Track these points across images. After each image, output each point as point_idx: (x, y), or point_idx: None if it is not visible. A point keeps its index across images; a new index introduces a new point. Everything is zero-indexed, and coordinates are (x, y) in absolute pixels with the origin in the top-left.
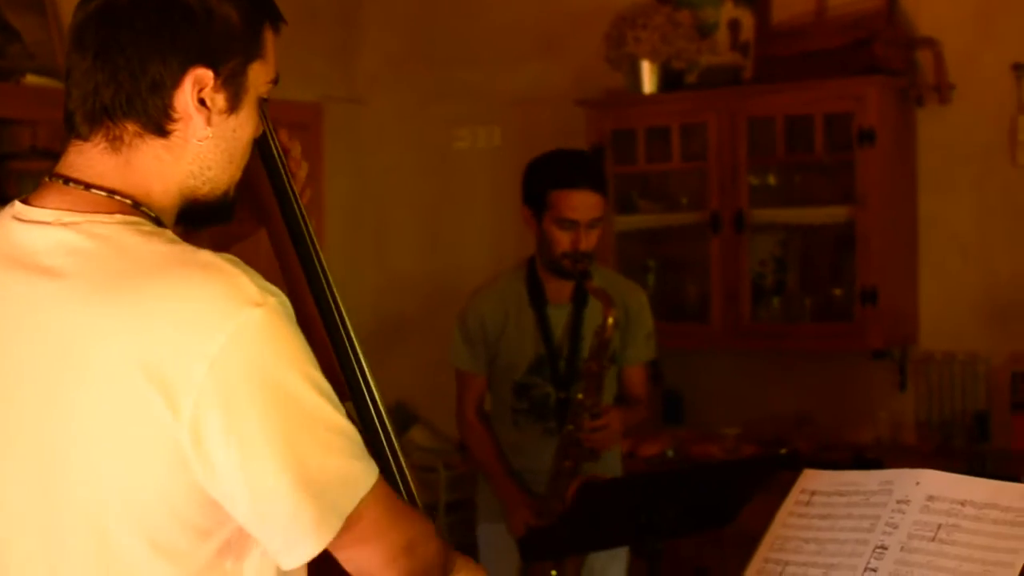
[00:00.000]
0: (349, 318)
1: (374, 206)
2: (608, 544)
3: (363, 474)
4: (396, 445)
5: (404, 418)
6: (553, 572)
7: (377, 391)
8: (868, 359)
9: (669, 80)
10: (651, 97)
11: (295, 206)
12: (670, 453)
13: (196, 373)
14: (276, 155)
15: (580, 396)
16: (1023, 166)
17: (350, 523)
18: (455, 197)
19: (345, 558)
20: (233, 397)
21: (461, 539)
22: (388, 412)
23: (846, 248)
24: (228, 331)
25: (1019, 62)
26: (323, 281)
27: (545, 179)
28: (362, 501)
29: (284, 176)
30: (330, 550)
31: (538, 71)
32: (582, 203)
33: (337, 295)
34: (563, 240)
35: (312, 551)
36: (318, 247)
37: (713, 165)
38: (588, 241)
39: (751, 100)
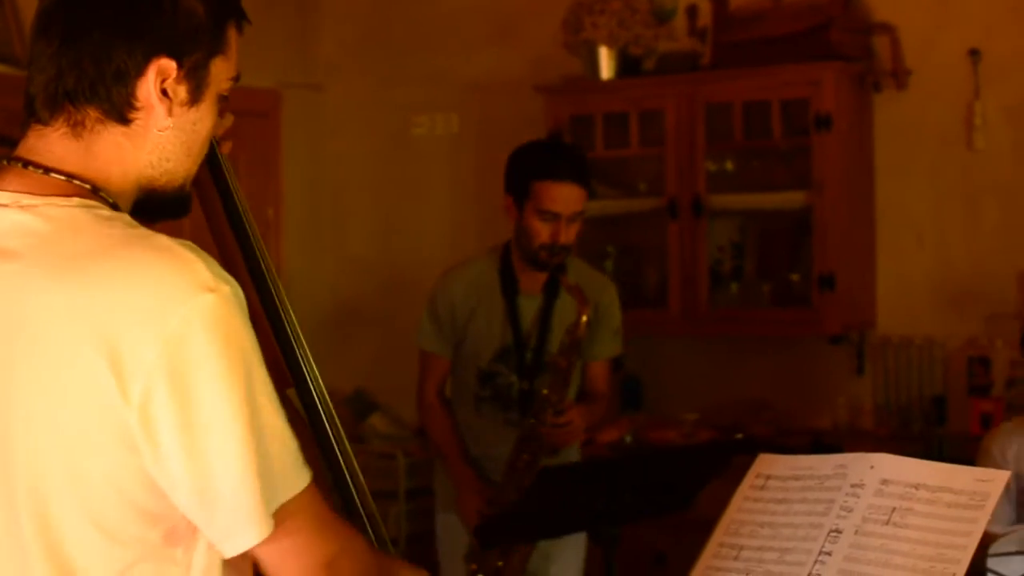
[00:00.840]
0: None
1: (332, 193)
2: (565, 530)
3: (300, 472)
4: (341, 432)
5: (363, 405)
6: (499, 563)
7: (320, 382)
8: (826, 344)
9: (627, 66)
10: (609, 83)
11: (235, 197)
12: (628, 439)
13: (147, 355)
14: (213, 143)
15: (545, 391)
16: (979, 151)
17: (281, 518)
18: (413, 184)
19: (265, 559)
20: (182, 380)
21: (419, 527)
22: (346, 400)
23: (803, 233)
24: (180, 315)
25: (975, 48)
26: (264, 271)
27: (529, 169)
28: (291, 502)
29: (223, 164)
30: (253, 551)
31: (496, 57)
32: (565, 196)
33: (280, 286)
34: (542, 232)
35: (254, 538)
36: (258, 236)
37: (671, 151)
38: (568, 235)
39: (709, 86)
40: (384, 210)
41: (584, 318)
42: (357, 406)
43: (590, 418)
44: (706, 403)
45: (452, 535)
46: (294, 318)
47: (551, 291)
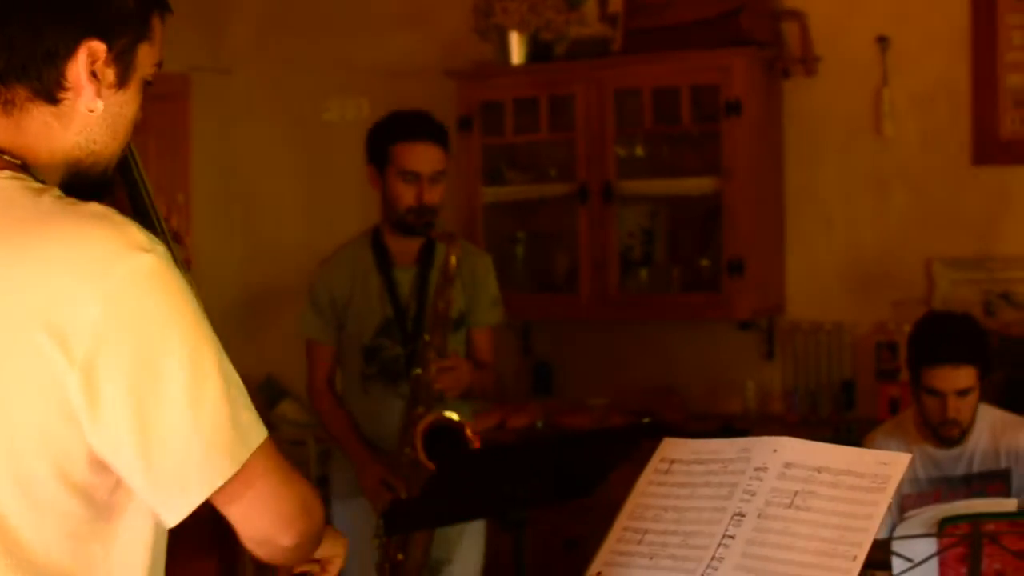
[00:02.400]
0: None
1: (242, 178)
2: (471, 515)
3: (255, 426)
4: None
5: (274, 392)
6: (400, 555)
7: None
8: (735, 329)
9: (537, 51)
10: (519, 68)
11: (140, 183)
12: (540, 424)
13: (89, 316)
14: None
15: (427, 337)
16: (888, 137)
17: (243, 478)
18: (324, 169)
19: (240, 518)
20: (126, 339)
21: (329, 514)
22: (257, 387)
23: (713, 219)
24: (119, 274)
25: (884, 35)
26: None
27: (386, 134)
28: (253, 455)
29: (130, 151)
30: (223, 509)
31: (407, 42)
32: (424, 155)
33: (183, 269)
34: (406, 194)
35: (198, 498)
36: (160, 217)
37: (581, 136)
38: (431, 195)
39: (619, 71)
40: (294, 196)
41: (453, 258)
42: (268, 393)
43: (479, 379)
44: (616, 388)
45: (347, 523)
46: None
47: (425, 260)
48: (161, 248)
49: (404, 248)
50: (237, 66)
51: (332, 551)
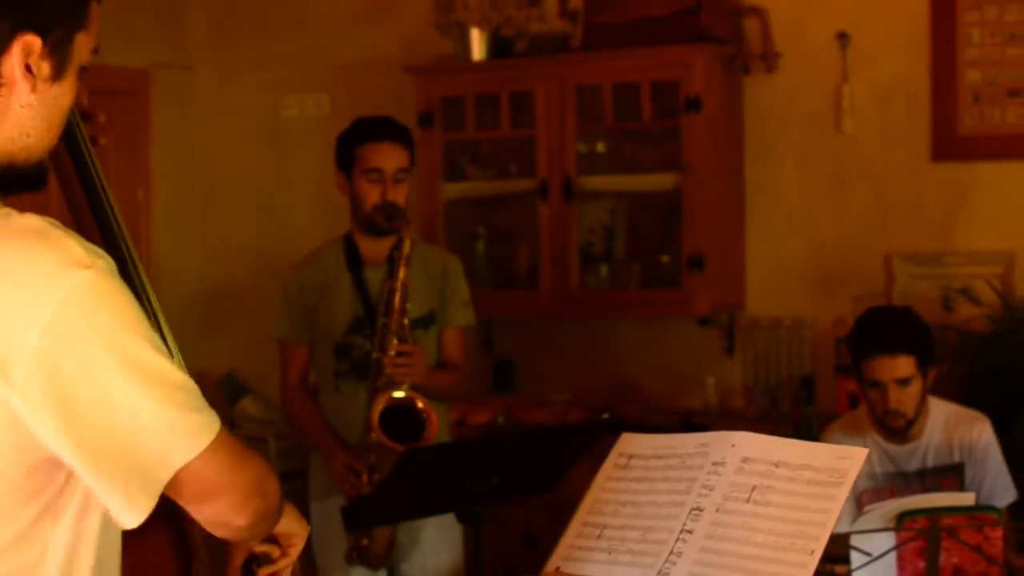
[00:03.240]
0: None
1: (203, 174)
2: (431, 511)
3: (205, 426)
4: None
5: (235, 389)
6: (364, 541)
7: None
8: (696, 325)
9: (498, 47)
10: (480, 64)
11: (92, 171)
12: (500, 420)
13: (28, 339)
14: (75, 120)
15: (383, 320)
16: (847, 134)
17: (187, 478)
18: (284, 166)
19: (197, 512)
20: (66, 359)
21: None
22: (217, 383)
23: (673, 215)
24: (59, 295)
25: (844, 31)
26: (124, 248)
27: (351, 138)
28: (205, 451)
29: (82, 142)
30: (183, 505)
31: (367, 37)
32: (386, 153)
33: (137, 258)
34: (372, 193)
35: (146, 509)
36: (116, 211)
37: (541, 133)
38: (395, 193)
39: (579, 68)
40: (255, 192)
41: (407, 242)
42: (228, 389)
43: (439, 376)
44: (577, 384)
45: (325, 524)
46: (151, 292)
47: (395, 260)
48: (102, 260)
49: (374, 248)
50: (198, 62)
51: (291, 528)
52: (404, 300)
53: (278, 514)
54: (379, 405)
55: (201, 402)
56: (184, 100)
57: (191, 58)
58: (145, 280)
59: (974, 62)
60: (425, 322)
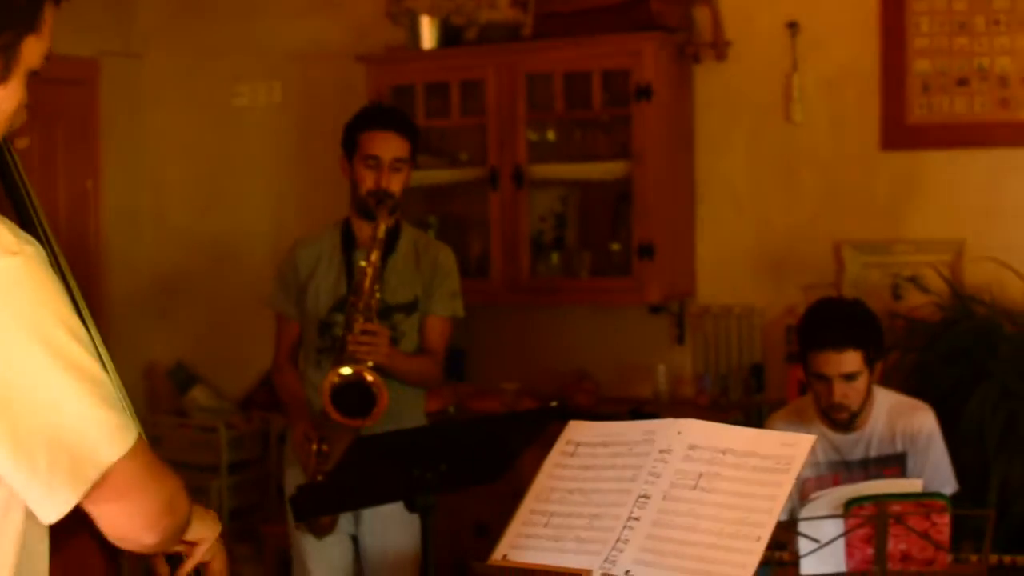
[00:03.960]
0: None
1: (153, 164)
2: (379, 499)
3: (125, 427)
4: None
5: (185, 378)
6: (324, 447)
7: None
8: (646, 313)
9: (449, 36)
10: (431, 53)
11: (16, 176)
12: (451, 409)
13: None
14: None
15: (352, 298)
16: (797, 123)
17: (109, 478)
18: (236, 155)
19: (104, 515)
20: None
21: (242, 501)
22: (167, 373)
23: (624, 203)
24: None
25: (794, 20)
26: (47, 244)
27: (355, 125)
28: (121, 459)
29: (3, 144)
30: (88, 509)
31: (318, 26)
32: (385, 142)
33: (63, 262)
34: (367, 178)
35: (69, 502)
36: (37, 205)
37: (492, 121)
38: (390, 181)
39: (530, 56)
40: (206, 181)
41: (383, 226)
42: (179, 379)
43: (412, 362)
44: (528, 372)
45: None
46: (76, 288)
47: (388, 245)
48: (31, 248)
49: (367, 231)
50: (147, 51)
51: (200, 534)
52: (374, 282)
53: (185, 527)
54: (331, 379)
55: (120, 403)
56: (134, 89)
57: (140, 46)
58: (69, 276)
59: (923, 51)
60: (408, 308)
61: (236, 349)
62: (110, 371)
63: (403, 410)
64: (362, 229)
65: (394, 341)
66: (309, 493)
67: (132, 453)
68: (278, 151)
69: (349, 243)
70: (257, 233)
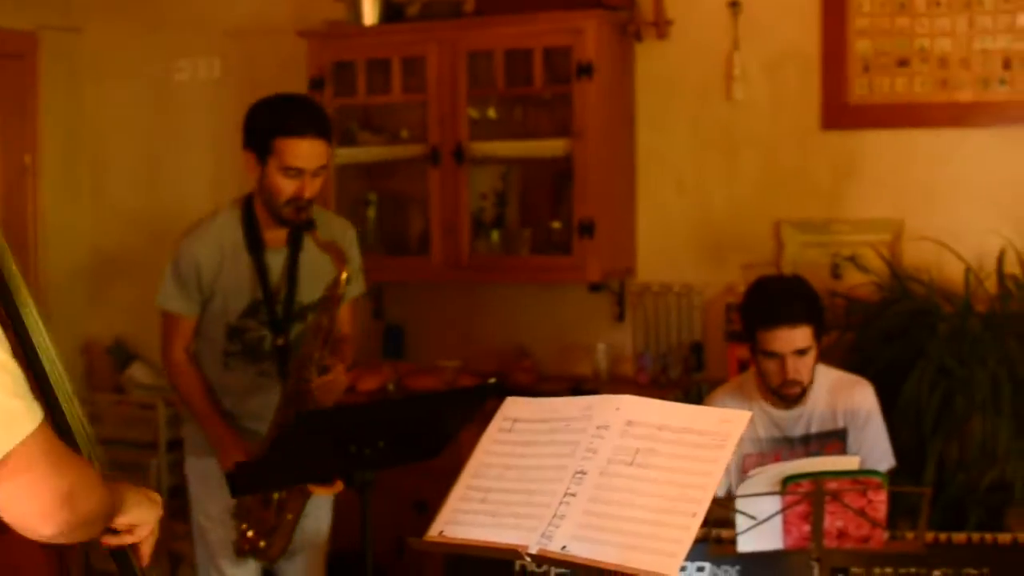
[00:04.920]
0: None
1: (91, 139)
2: (317, 476)
3: (26, 413)
4: (66, 388)
5: (123, 355)
6: (262, 543)
7: (44, 346)
8: (586, 291)
9: (390, 12)
10: (372, 29)
11: None
12: (391, 387)
13: None
14: None
15: (307, 350)
16: (738, 101)
17: (9, 466)
18: (175, 130)
19: (4, 508)
20: None
21: (180, 478)
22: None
23: (565, 181)
24: None
25: (735, 0)
26: None
27: (271, 127)
28: (23, 442)
29: None
30: None
31: (259, 1)
32: (308, 151)
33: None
34: (287, 188)
35: None
36: None
37: (433, 98)
38: (312, 188)
39: (471, 33)
40: (145, 157)
41: (344, 275)
42: (117, 356)
43: (347, 365)
44: (468, 350)
45: (203, 480)
46: (13, 263)
47: (296, 243)
48: None
49: (276, 229)
50: (87, 24)
51: (138, 519)
52: (329, 335)
53: (104, 519)
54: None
55: (25, 389)
56: (72, 63)
57: (79, 20)
58: (7, 252)
59: (864, 32)
60: (317, 306)
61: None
62: (49, 349)
63: None
64: (268, 227)
65: (329, 344)
66: (247, 469)
67: (31, 440)
68: (218, 127)
69: (256, 241)
70: (197, 209)
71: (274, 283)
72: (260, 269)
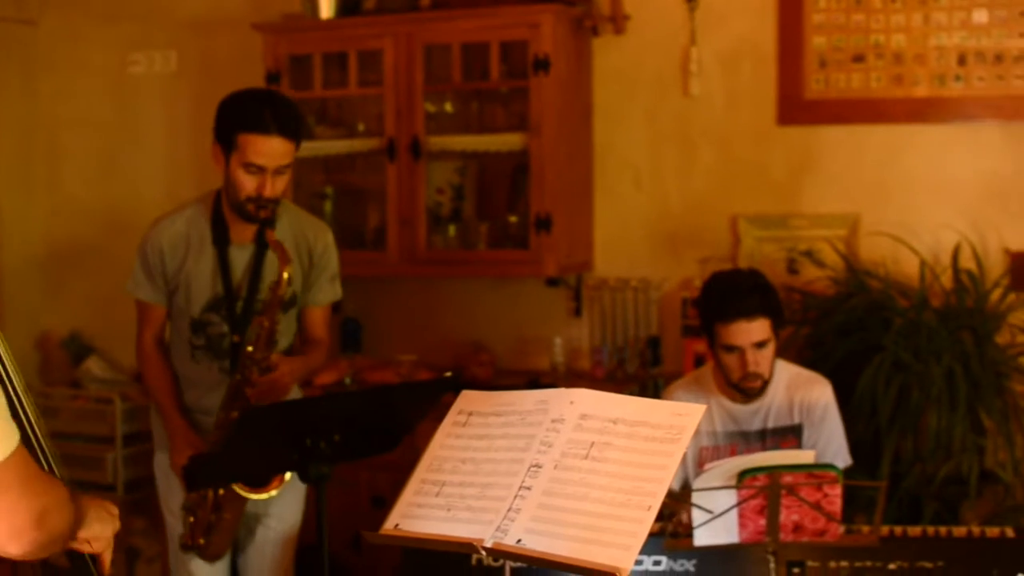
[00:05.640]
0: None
1: (47, 131)
2: (273, 469)
3: (6, 435)
4: (30, 413)
5: (79, 349)
6: (201, 540)
7: (11, 367)
8: (543, 286)
9: (347, 5)
10: (329, 22)
11: None
12: (348, 381)
13: None
14: None
15: (250, 349)
16: (694, 96)
17: None
18: (130, 123)
19: None
20: None
21: (137, 472)
22: (61, 343)
23: (522, 175)
24: None
25: None
26: None
27: (236, 121)
28: (2, 462)
29: None
30: None
31: None
32: (271, 150)
33: None
34: (248, 184)
35: None
36: None
37: (390, 91)
38: (274, 187)
39: (428, 27)
40: (101, 150)
41: (285, 275)
42: (73, 349)
43: (307, 367)
44: (425, 345)
45: (169, 474)
46: None
47: (262, 241)
48: None
49: (243, 225)
50: (42, 17)
51: (97, 533)
52: (274, 338)
53: (69, 537)
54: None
55: (5, 413)
56: (27, 55)
57: (35, 12)
58: None
59: (820, 27)
60: (287, 306)
61: (131, 320)
62: (10, 371)
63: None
64: (234, 222)
65: (275, 344)
66: (202, 463)
67: (10, 462)
68: (174, 120)
69: (221, 235)
70: (152, 202)
71: (236, 279)
72: (224, 264)
